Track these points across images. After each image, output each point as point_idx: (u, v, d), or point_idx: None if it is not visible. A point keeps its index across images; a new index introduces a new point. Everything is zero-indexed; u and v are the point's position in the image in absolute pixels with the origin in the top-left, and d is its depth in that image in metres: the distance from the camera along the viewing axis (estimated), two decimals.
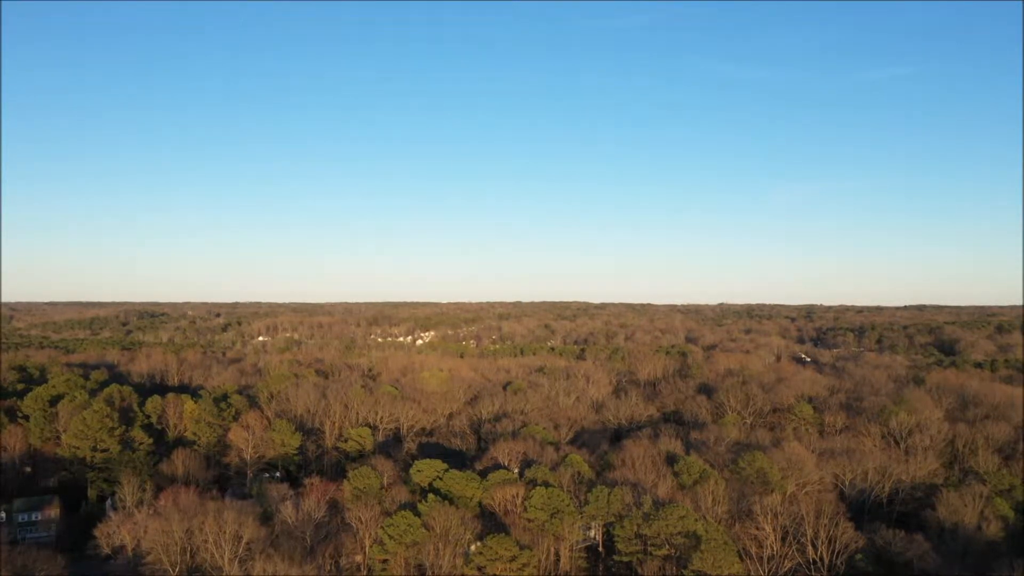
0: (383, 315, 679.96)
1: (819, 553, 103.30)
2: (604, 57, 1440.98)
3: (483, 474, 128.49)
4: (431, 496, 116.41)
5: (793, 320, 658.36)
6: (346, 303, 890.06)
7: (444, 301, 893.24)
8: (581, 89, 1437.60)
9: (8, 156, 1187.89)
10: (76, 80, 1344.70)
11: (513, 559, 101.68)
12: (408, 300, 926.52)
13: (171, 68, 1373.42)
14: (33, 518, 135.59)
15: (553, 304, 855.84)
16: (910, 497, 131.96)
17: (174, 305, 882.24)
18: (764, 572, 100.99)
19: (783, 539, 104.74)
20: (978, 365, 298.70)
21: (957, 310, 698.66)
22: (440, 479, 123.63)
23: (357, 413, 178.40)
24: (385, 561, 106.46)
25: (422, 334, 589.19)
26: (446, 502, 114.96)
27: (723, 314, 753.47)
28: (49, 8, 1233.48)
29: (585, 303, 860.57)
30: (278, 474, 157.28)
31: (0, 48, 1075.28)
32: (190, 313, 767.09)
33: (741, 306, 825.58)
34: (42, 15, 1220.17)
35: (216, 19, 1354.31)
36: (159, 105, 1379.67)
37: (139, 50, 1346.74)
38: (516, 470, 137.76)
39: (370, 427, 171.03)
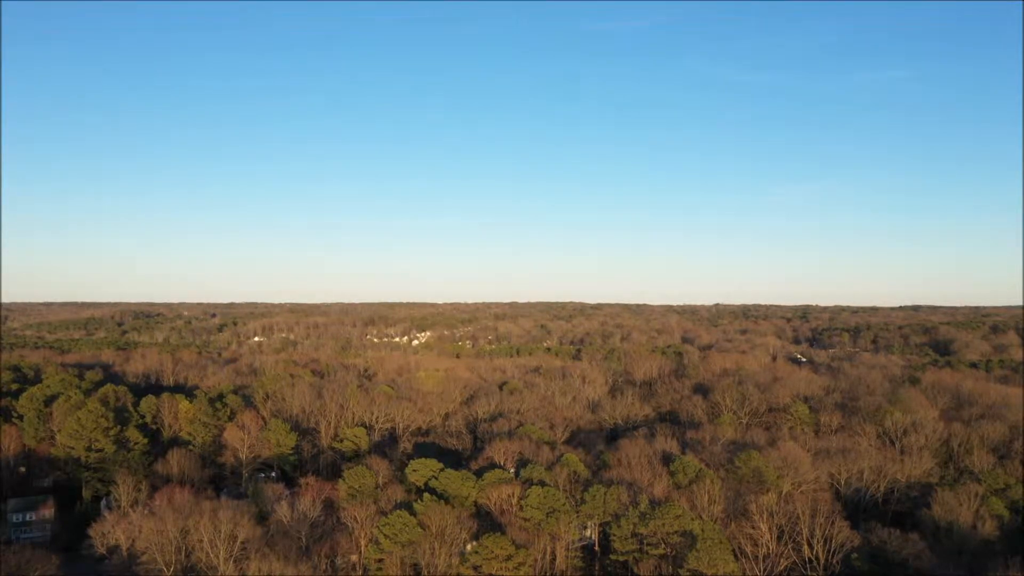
0: (379, 315, 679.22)
1: (815, 552, 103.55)
2: (603, 59, 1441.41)
3: (479, 473, 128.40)
4: (427, 495, 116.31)
5: (789, 320, 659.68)
6: (342, 303, 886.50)
7: (440, 301, 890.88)
8: (579, 90, 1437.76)
9: (8, 156, 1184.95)
10: (74, 80, 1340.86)
11: (509, 558, 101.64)
12: (404, 300, 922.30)
13: (166, 68, 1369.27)
14: (28, 518, 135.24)
15: (549, 304, 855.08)
16: (905, 496, 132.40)
17: (169, 305, 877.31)
18: (760, 571, 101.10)
19: (779, 538, 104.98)
20: (973, 365, 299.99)
21: (952, 310, 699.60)
22: (436, 478, 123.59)
23: (353, 413, 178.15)
24: (381, 560, 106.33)
25: (418, 334, 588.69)
26: (442, 501, 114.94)
27: (719, 314, 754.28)
28: (49, 8, 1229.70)
29: (581, 303, 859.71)
30: (273, 474, 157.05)
31: (0, 48, 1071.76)
32: (186, 313, 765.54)
33: (737, 306, 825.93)
34: (42, 15, 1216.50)
35: (212, 19, 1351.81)
36: (154, 105, 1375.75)
37: (136, 50, 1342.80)
38: (512, 470, 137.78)
39: (366, 427, 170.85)
